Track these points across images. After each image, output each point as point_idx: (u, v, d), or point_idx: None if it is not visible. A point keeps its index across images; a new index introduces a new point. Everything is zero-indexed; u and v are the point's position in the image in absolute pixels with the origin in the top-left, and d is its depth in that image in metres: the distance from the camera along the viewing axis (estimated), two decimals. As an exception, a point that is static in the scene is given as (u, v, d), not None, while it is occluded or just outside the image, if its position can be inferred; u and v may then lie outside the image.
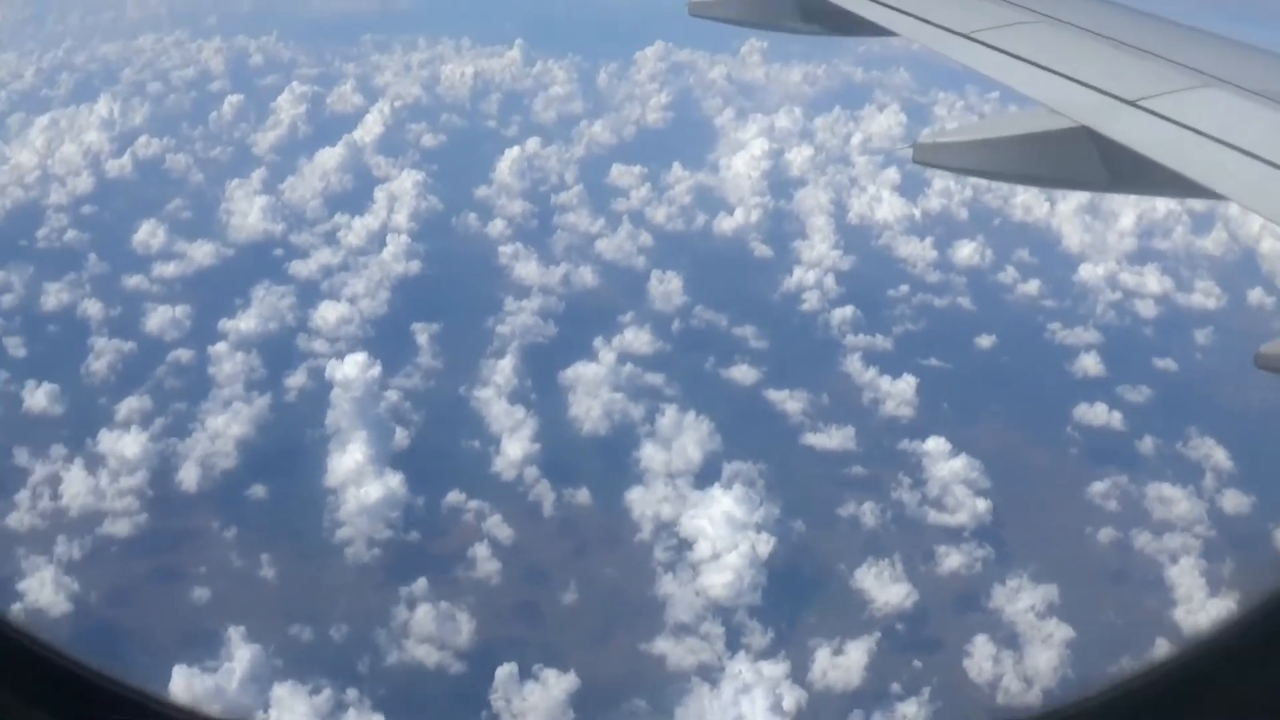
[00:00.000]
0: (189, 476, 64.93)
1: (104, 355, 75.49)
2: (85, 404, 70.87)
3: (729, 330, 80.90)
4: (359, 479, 62.84)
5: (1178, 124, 7.72)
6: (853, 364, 77.39)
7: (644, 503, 63.40)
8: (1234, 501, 65.75)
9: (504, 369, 73.53)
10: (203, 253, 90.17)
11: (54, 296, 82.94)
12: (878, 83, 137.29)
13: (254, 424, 68.85)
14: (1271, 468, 65.21)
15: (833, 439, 69.87)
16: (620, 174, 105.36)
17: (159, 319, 79.52)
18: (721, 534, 59.33)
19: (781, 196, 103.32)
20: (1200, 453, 69.20)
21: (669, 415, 68.94)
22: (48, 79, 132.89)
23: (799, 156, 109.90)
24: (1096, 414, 73.20)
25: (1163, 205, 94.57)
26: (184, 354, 75.87)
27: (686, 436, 67.22)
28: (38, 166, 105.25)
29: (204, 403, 70.88)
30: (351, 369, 69.14)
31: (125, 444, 65.80)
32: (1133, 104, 8.10)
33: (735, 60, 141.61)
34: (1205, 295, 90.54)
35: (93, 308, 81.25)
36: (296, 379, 73.84)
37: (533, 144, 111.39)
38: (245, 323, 78.68)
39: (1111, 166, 8.09)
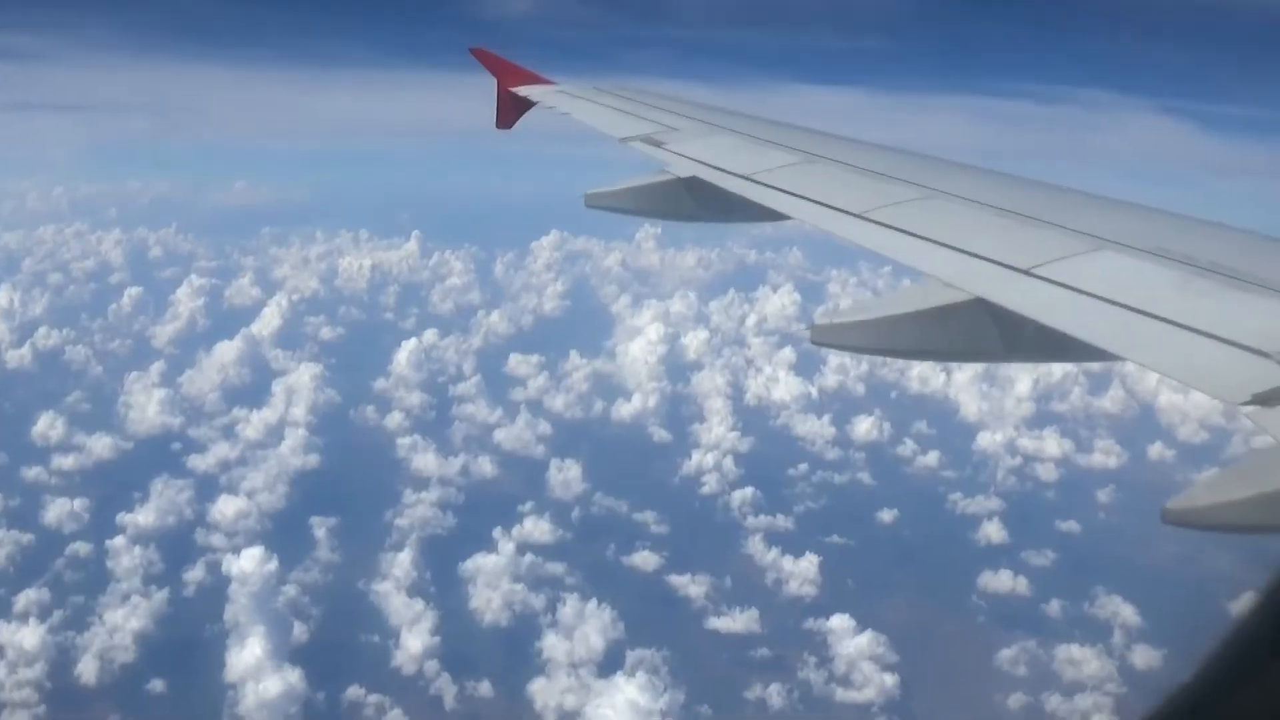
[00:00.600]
0: (88, 670, 63.93)
1: (2, 546, 74.54)
2: (-17, 595, 69.53)
3: (629, 516, 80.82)
4: (258, 674, 61.90)
5: (1071, 288, 7.87)
6: (755, 545, 77.44)
7: (547, 693, 62.70)
8: (1144, 656, 66.29)
9: (403, 562, 72.95)
10: (101, 445, 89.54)
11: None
12: (771, 264, 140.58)
13: (152, 618, 67.85)
14: (1181, 618, 65.43)
15: (737, 622, 69.62)
16: (518, 363, 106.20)
17: (57, 511, 78.67)
18: (626, 722, 58.70)
19: (679, 380, 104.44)
20: (1108, 611, 69.88)
21: (570, 604, 68.62)
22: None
23: (695, 340, 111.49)
24: (1001, 581, 73.71)
25: (1059, 369, 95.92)
26: (82, 547, 74.94)
27: (589, 625, 66.78)
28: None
29: (102, 596, 69.91)
30: (249, 563, 68.56)
31: (24, 636, 64.84)
32: (1026, 272, 8.25)
33: (630, 246, 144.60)
34: (1105, 454, 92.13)
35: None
36: (195, 573, 72.77)
37: (430, 335, 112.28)
38: (144, 516, 77.92)
39: (1007, 336, 8.17)
